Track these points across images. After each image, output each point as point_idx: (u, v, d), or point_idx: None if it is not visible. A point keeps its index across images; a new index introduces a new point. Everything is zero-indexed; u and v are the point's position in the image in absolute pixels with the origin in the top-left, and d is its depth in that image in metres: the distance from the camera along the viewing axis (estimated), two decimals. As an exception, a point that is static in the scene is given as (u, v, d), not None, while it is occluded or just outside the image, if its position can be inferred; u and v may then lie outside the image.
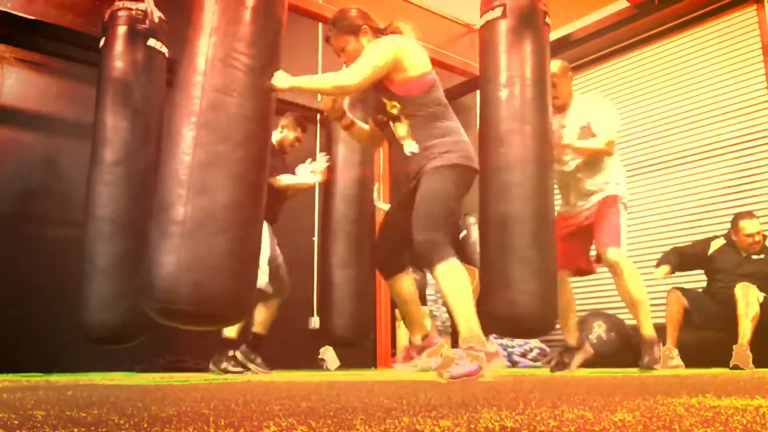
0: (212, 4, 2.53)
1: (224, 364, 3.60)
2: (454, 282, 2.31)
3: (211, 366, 3.68)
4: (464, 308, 2.30)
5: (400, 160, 2.56)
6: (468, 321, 2.29)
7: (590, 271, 3.46)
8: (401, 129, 2.47)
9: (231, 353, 3.64)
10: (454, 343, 4.45)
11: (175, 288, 2.32)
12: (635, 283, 3.12)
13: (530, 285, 2.86)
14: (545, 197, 3.00)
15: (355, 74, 2.41)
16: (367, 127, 2.79)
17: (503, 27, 3.13)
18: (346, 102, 2.90)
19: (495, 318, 2.89)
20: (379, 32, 2.60)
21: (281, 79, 2.46)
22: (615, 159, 3.37)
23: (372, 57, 2.41)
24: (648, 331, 3.16)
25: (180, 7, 3.04)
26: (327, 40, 2.65)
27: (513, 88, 3.04)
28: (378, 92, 2.49)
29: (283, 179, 3.80)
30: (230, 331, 3.66)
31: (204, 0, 2.55)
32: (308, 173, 3.97)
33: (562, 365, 3.34)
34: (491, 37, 3.18)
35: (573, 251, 3.34)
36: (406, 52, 2.44)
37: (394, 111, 2.46)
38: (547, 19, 3.20)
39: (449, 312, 2.42)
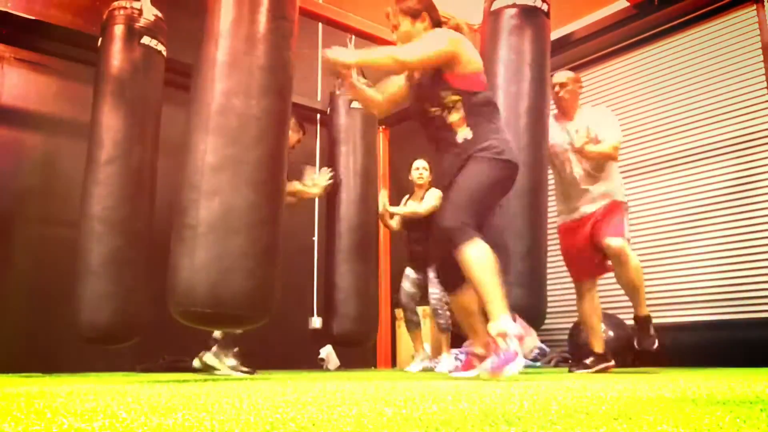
0: (224, 8, 2.56)
1: (233, 362, 3.51)
2: (479, 264, 2.26)
3: (196, 362, 3.50)
4: (490, 291, 2.25)
5: (447, 159, 2.51)
6: (495, 305, 2.24)
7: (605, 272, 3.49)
8: (455, 116, 2.46)
9: (237, 349, 3.55)
10: (455, 341, 4.46)
11: (192, 291, 2.37)
12: (637, 271, 3.27)
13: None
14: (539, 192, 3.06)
15: (415, 52, 2.43)
16: (371, 92, 2.74)
17: (505, 22, 3.20)
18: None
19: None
20: (438, 24, 2.60)
21: (348, 55, 2.45)
22: (616, 166, 3.47)
23: (433, 42, 2.44)
24: (644, 311, 3.36)
25: (183, 8, 3.04)
26: (387, 15, 2.62)
27: (511, 84, 3.12)
28: (435, 84, 2.48)
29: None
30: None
31: (216, 4, 2.58)
32: (311, 183, 4.05)
33: (583, 366, 3.34)
34: (492, 32, 3.24)
35: (588, 262, 3.41)
36: (466, 47, 2.47)
37: (451, 103, 2.45)
38: (547, 11, 3.25)
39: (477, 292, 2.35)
